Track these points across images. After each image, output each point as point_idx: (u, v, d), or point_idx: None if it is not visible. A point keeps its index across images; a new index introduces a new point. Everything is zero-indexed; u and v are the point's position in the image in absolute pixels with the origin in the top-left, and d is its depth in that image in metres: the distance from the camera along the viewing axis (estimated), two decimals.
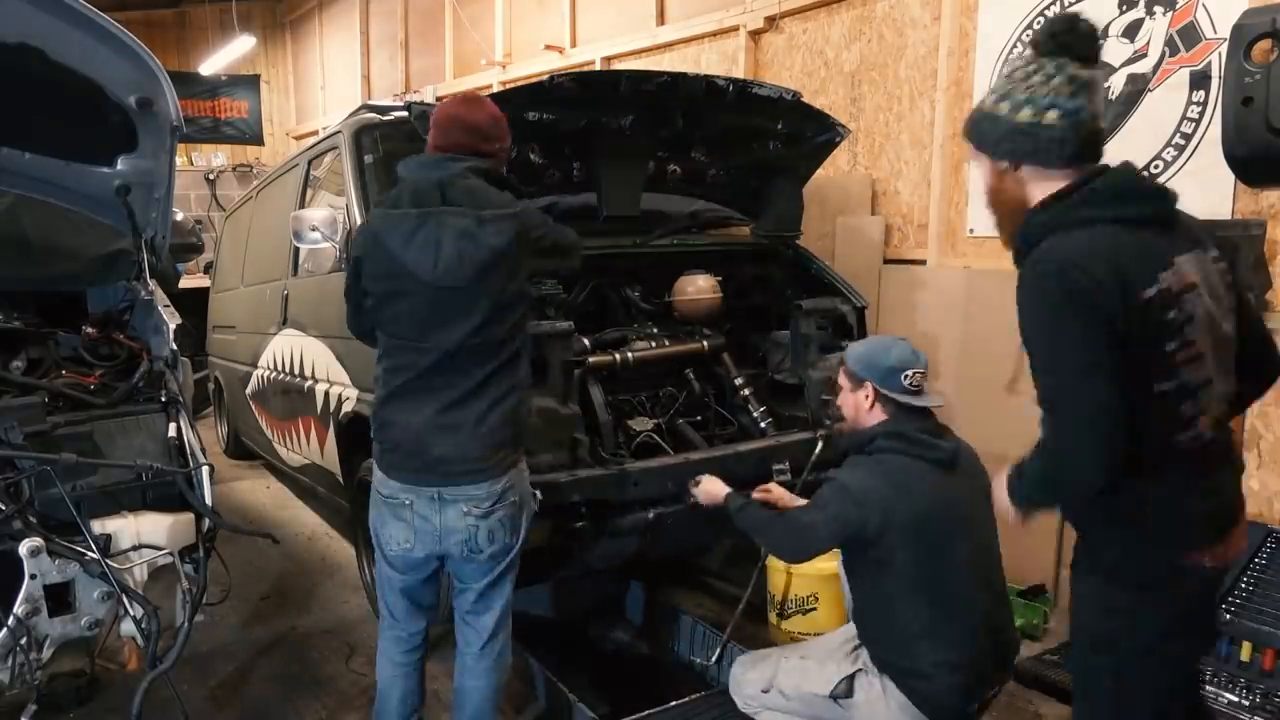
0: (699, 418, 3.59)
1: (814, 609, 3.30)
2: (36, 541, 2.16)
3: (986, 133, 1.79)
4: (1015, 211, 1.79)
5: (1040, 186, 1.75)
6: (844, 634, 2.55)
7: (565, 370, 3.13)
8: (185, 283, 7.34)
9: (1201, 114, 3.33)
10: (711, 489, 2.71)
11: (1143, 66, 3.50)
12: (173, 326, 2.87)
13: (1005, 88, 1.76)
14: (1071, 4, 3.71)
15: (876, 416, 2.40)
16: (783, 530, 2.45)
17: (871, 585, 2.35)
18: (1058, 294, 1.60)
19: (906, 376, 2.35)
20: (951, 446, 2.38)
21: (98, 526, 2.27)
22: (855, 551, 2.35)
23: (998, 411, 3.92)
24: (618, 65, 6.17)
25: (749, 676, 2.56)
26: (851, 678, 2.35)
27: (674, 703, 2.75)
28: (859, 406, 2.42)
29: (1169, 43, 3.42)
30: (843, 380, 2.46)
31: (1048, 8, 3.79)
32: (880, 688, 2.31)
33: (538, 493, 2.49)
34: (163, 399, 2.67)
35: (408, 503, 2.28)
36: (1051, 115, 1.69)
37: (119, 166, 2.88)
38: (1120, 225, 1.67)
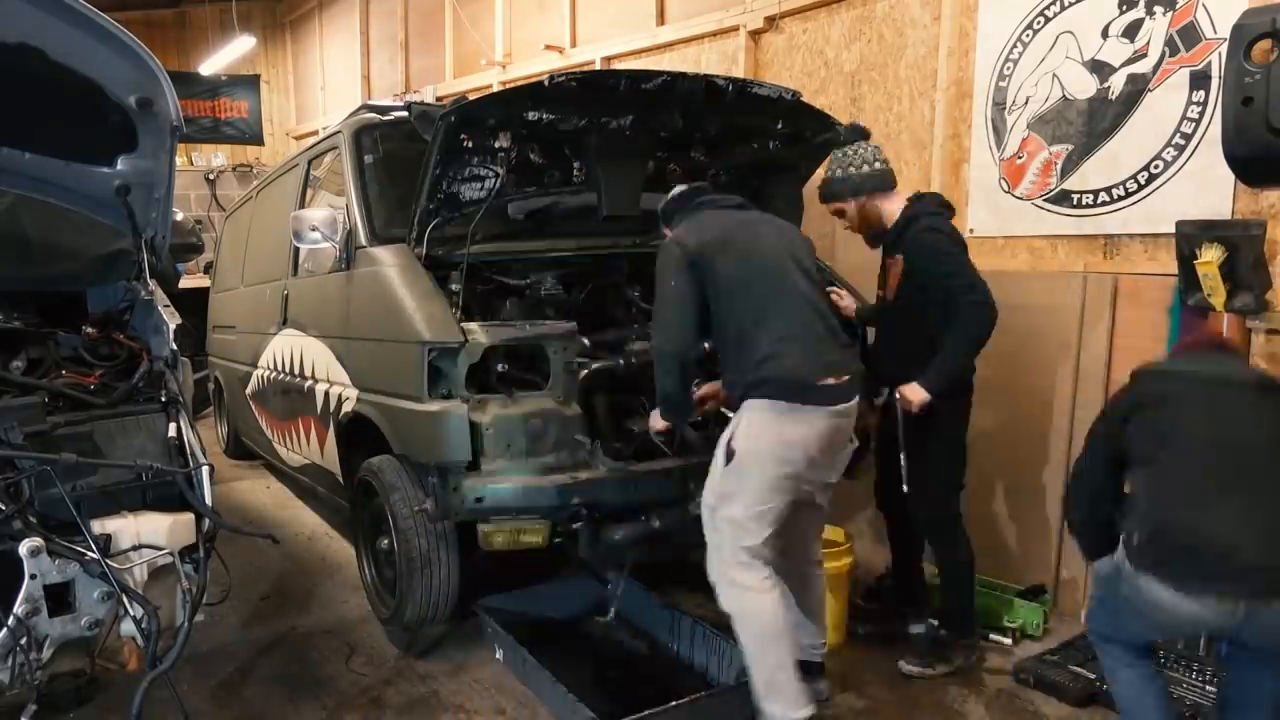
0: (699, 418, 3.59)
1: None
2: (36, 541, 2.16)
3: (847, 187, 3.21)
4: (876, 223, 3.24)
5: (888, 202, 3.22)
6: None
7: (568, 371, 3.14)
8: (185, 283, 7.35)
9: (1201, 114, 3.33)
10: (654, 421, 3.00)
11: (1143, 66, 3.50)
12: (173, 326, 2.87)
13: (843, 162, 3.21)
14: (1072, 3, 3.71)
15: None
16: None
17: (712, 310, 2.72)
18: (953, 239, 3.17)
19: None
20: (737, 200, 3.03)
21: (98, 526, 2.27)
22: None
23: (997, 410, 3.92)
24: (618, 65, 6.17)
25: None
26: (728, 443, 2.69)
27: (674, 703, 2.75)
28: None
29: (1169, 43, 3.42)
30: None
31: (1048, 8, 3.79)
32: (748, 416, 2.65)
33: None
34: (163, 399, 2.67)
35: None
36: (879, 165, 3.20)
37: (119, 166, 2.88)
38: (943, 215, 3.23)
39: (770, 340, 2.63)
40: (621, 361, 3.36)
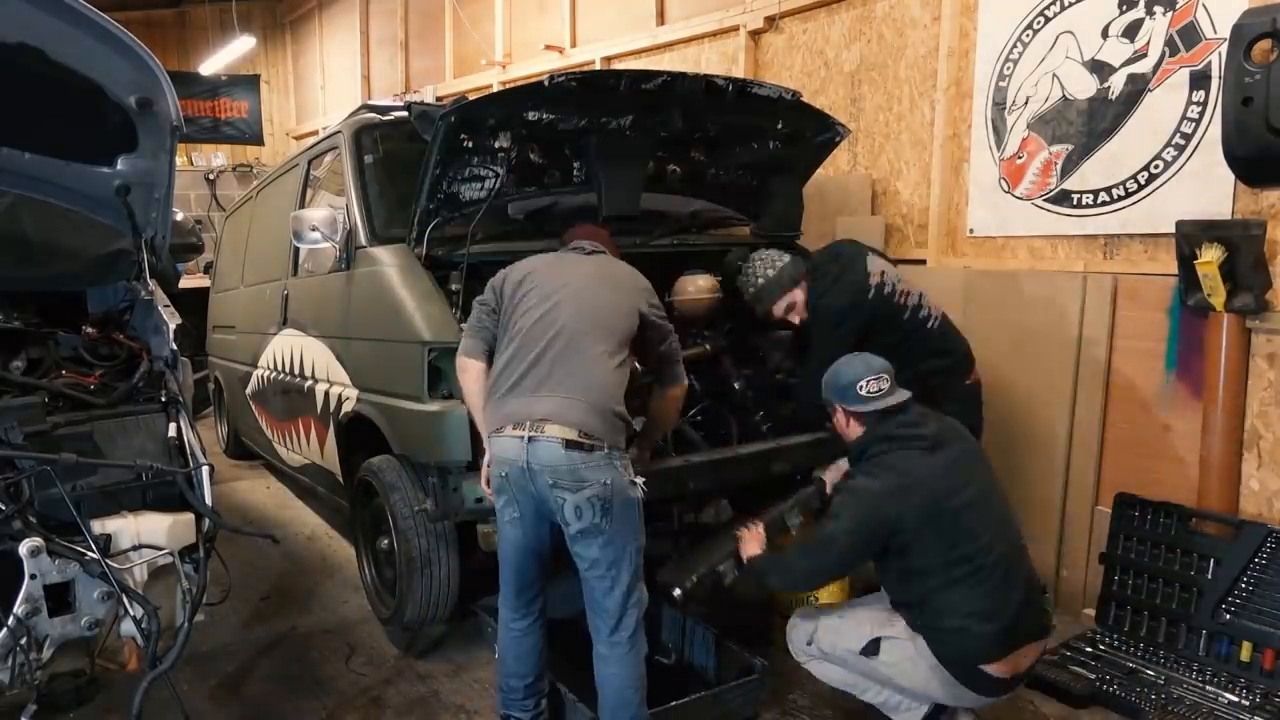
0: (698, 418, 3.59)
1: None
2: (36, 541, 2.16)
3: (775, 292, 3.42)
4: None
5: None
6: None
7: None
8: (185, 283, 7.34)
9: (1201, 114, 3.33)
10: (751, 547, 2.76)
11: (1143, 66, 3.50)
12: (173, 326, 2.87)
13: (753, 280, 3.44)
14: (1072, 3, 3.71)
15: (857, 431, 2.60)
16: (798, 555, 2.60)
17: (898, 566, 2.48)
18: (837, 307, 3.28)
19: (861, 388, 2.55)
20: (933, 429, 2.54)
21: (98, 526, 2.27)
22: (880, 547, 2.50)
23: (997, 410, 3.92)
24: (618, 65, 6.17)
25: (798, 629, 2.75)
26: (878, 640, 2.54)
27: (674, 702, 2.74)
28: (842, 427, 2.68)
29: (1169, 43, 3.42)
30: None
31: (1048, 8, 3.79)
32: (912, 649, 2.48)
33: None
34: (163, 399, 2.67)
35: None
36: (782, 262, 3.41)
37: (119, 166, 2.88)
38: None
39: None
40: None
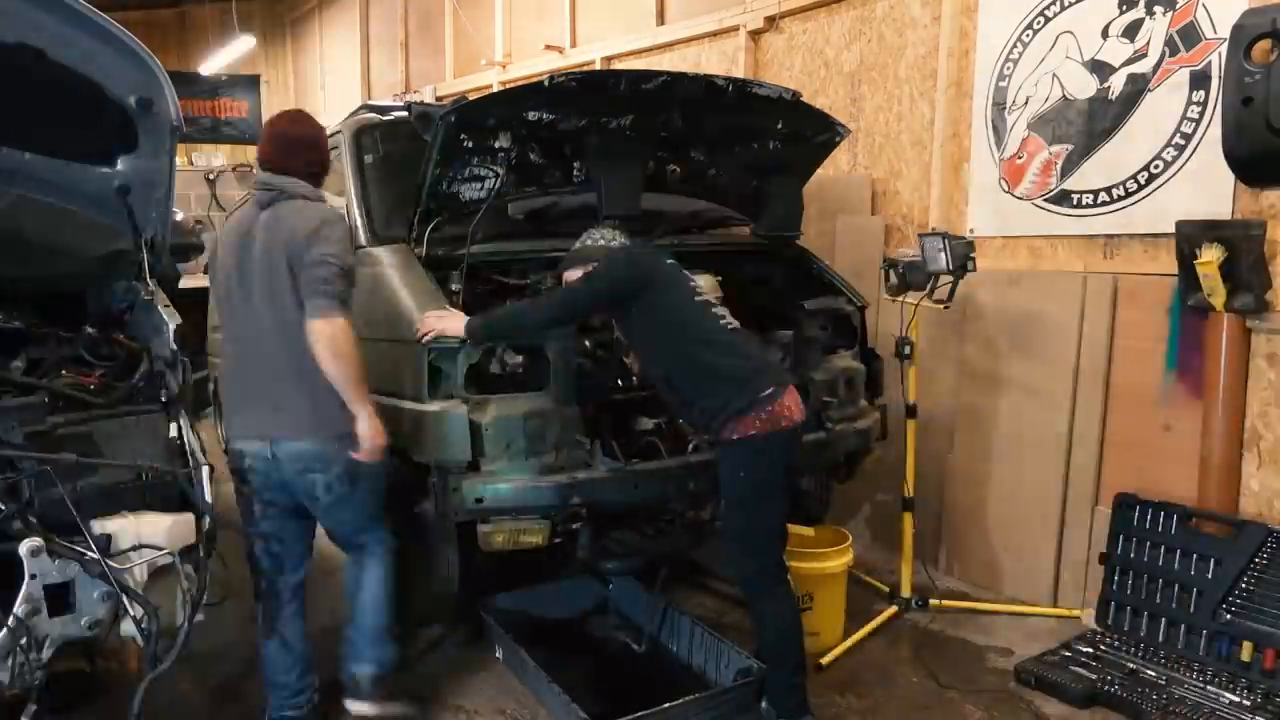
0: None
1: (809, 608, 3.30)
2: (36, 541, 2.15)
3: (571, 263, 3.05)
4: None
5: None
6: None
7: (567, 370, 3.13)
8: (185, 283, 7.32)
9: (1201, 114, 3.33)
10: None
11: (1143, 66, 3.50)
12: (173, 326, 2.87)
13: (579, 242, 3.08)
14: (1072, 3, 3.71)
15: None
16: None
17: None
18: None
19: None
20: None
21: (98, 526, 2.27)
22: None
23: (997, 410, 3.93)
24: (618, 65, 6.17)
25: None
26: None
27: (667, 704, 2.74)
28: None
29: (1169, 43, 3.42)
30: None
31: (1048, 8, 3.79)
32: None
33: None
34: (163, 399, 2.67)
35: None
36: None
37: (119, 166, 2.88)
38: None
39: None
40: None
